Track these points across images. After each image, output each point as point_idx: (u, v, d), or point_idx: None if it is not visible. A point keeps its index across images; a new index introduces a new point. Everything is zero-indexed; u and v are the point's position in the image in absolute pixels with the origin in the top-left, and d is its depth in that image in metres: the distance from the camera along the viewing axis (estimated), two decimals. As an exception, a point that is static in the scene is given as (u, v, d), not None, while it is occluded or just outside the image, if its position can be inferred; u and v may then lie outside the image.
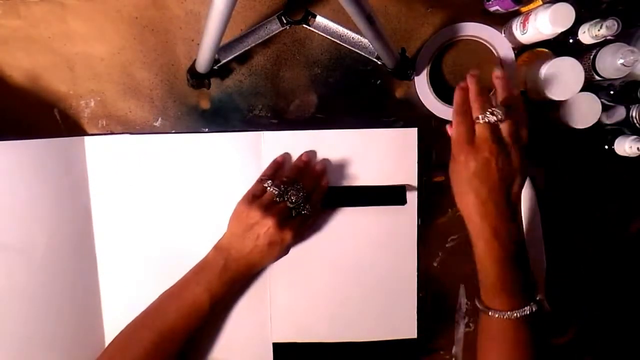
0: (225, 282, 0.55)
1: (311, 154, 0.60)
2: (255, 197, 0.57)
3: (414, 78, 0.60)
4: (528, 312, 0.47)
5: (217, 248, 0.57)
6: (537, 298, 0.49)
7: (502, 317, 0.47)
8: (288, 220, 0.56)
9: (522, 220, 0.51)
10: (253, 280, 0.61)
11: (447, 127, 0.54)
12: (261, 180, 0.58)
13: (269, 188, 0.57)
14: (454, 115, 0.52)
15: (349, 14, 0.42)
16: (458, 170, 0.50)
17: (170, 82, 0.61)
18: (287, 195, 0.56)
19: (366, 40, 0.57)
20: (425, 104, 0.61)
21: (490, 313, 0.48)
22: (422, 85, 0.61)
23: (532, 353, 0.48)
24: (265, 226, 0.54)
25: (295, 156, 0.61)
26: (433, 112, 0.61)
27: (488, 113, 0.49)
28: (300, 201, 0.56)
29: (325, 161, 0.61)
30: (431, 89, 0.60)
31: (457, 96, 0.53)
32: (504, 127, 0.49)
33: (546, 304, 0.64)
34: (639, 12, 0.55)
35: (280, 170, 0.60)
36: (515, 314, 0.47)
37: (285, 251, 0.58)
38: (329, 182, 0.61)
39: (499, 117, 0.49)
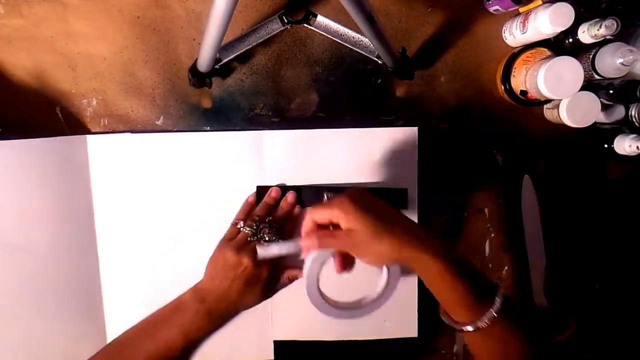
0: (201, 326, 0.53)
1: (279, 190, 0.61)
2: (229, 240, 0.57)
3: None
4: (496, 310, 0.44)
5: (195, 290, 0.55)
6: (499, 293, 0.45)
7: (478, 326, 0.44)
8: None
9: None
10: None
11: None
12: (234, 224, 0.59)
13: (242, 229, 0.57)
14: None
15: (350, 14, 0.42)
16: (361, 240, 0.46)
17: (171, 81, 0.61)
18: (260, 233, 0.57)
19: (367, 40, 0.57)
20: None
21: (463, 327, 0.45)
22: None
23: (524, 343, 0.46)
24: (242, 266, 0.54)
25: (294, 155, 0.61)
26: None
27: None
28: (273, 237, 0.57)
29: (294, 193, 0.61)
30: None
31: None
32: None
33: (545, 300, 0.65)
34: (638, 11, 0.55)
35: (252, 210, 0.60)
36: (484, 320, 0.44)
37: (269, 288, 0.57)
38: (331, 181, 0.61)
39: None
